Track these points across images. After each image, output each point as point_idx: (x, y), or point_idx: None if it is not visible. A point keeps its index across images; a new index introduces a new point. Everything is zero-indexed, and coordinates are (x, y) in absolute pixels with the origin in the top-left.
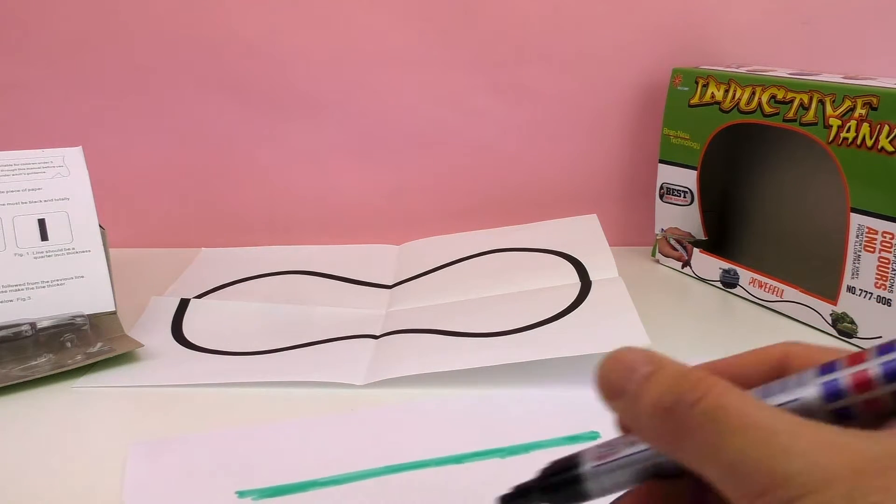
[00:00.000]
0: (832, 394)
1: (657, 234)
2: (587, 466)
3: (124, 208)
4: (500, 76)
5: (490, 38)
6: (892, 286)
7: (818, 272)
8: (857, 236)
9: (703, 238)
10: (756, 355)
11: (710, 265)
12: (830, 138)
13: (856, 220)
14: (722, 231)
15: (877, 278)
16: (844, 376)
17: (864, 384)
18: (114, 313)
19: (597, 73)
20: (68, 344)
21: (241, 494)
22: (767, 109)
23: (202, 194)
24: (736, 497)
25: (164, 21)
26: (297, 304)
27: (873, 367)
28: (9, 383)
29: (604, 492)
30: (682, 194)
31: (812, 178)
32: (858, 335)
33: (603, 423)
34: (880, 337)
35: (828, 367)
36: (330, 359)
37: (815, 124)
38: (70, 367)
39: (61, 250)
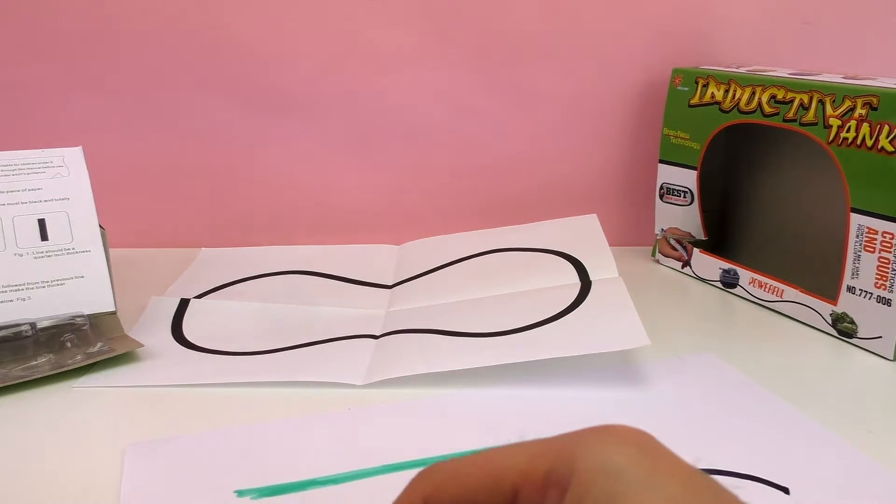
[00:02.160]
0: None
1: (657, 234)
2: None
3: (124, 208)
4: (500, 76)
5: (490, 39)
6: (892, 286)
7: (818, 272)
8: (857, 236)
9: (703, 238)
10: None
11: (710, 265)
12: (830, 138)
13: (856, 220)
14: (722, 231)
15: (877, 278)
16: None
17: None
18: (114, 313)
19: (597, 74)
20: (68, 344)
21: (240, 494)
22: (767, 109)
23: (202, 194)
24: None
25: (165, 21)
26: (297, 304)
27: None
28: (9, 383)
29: None
30: (682, 194)
31: (812, 178)
32: (858, 335)
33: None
34: (880, 337)
35: None
36: (330, 359)
37: (815, 124)
38: (70, 367)
39: (61, 250)
